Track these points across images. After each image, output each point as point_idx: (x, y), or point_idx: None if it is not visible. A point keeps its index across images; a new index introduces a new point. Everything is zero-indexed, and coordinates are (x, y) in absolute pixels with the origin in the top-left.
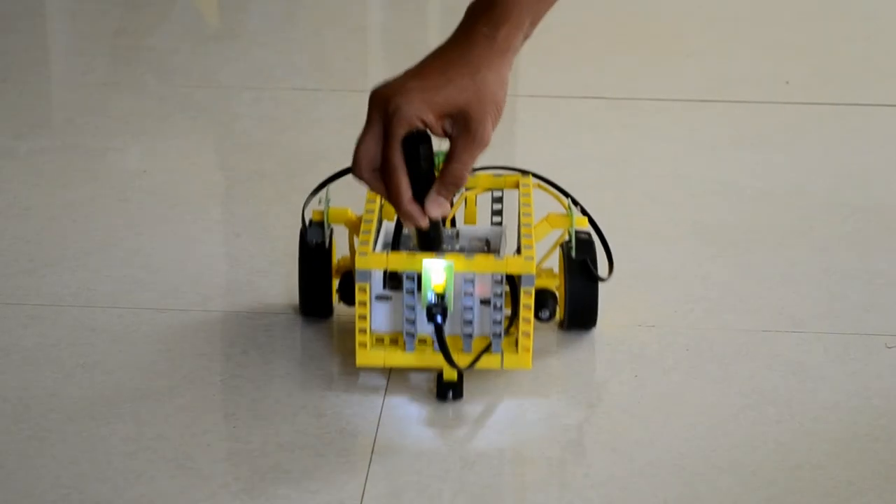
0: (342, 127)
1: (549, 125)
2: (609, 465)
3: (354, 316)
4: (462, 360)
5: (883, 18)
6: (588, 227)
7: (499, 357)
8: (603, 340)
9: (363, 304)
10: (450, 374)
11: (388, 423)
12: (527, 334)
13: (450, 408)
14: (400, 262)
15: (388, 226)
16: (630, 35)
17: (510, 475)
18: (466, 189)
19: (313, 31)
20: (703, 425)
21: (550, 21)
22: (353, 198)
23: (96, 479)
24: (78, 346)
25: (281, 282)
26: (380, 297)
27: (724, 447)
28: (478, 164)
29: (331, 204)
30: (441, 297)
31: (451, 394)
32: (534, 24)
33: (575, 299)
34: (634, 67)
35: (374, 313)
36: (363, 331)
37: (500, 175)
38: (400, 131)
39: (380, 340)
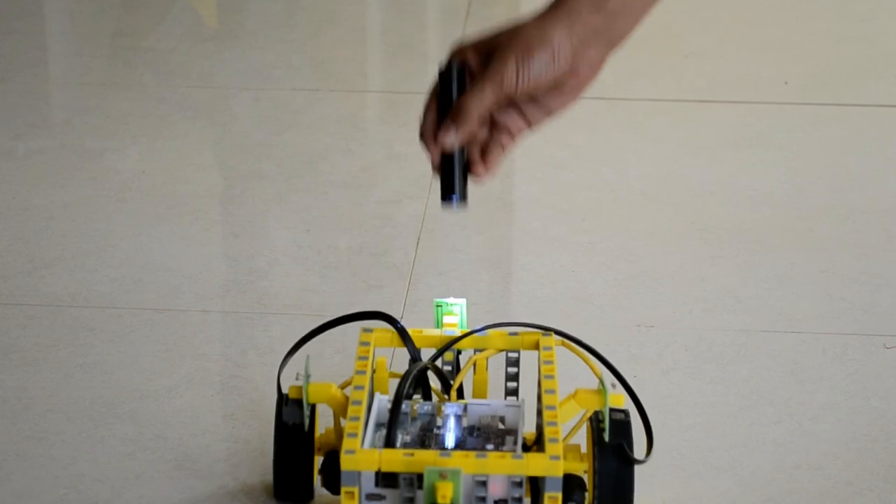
0: (341, 128)
1: (547, 125)
2: None
3: None
4: None
5: (883, 18)
6: (623, 400)
7: None
8: (602, 341)
9: None
10: None
11: None
12: None
13: None
14: (395, 461)
15: (382, 400)
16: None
17: None
18: (476, 351)
19: (312, 32)
20: (701, 425)
21: None
22: (338, 355)
23: (95, 479)
24: (76, 347)
25: (279, 281)
26: (371, 497)
27: (722, 447)
28: (491, 321)
29: (311, 376)
30: None
31: None
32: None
33: (608, 487)
34: (633, 68)
35: None
36: None
37: (515, 333)
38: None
39: None
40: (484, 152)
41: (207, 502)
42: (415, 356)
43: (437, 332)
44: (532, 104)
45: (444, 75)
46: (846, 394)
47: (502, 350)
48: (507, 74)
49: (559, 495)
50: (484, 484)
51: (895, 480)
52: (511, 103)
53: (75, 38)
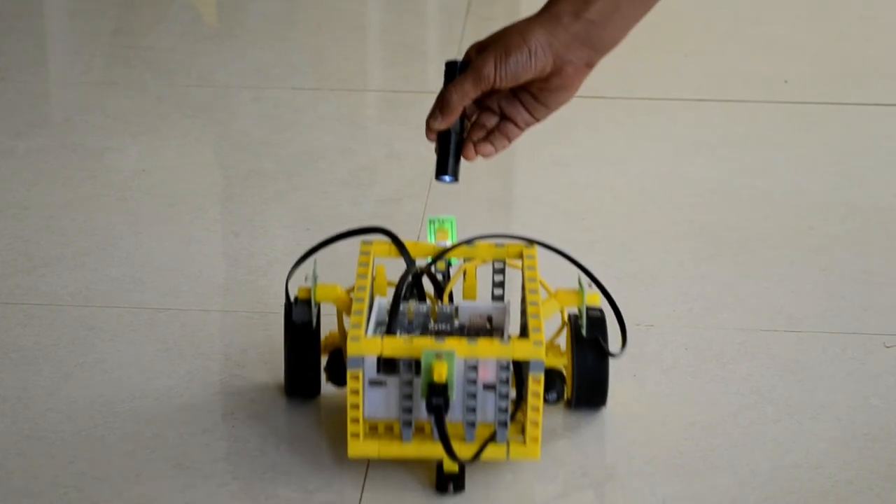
0: (341, 126)
1: (546, 125)
2: (608, 465)
3: (345, 398)
4: (464, 450)
5: (883, 18)
6: (598, 299)
7: (504, 447)
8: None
9: (355, 391)
10: (450, 466)
11: None
12: (535, 423)
13: (450, 502)
14: (396, 347)
15: (381, 302)
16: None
17: None
18: (465, 260)
19: (312, 31)
20: (701, 424)
21: None
22: (341, 267)
23: (95, 478)
24: (76, 346)
25: (279, 281)
26: (373, 383)
27: (722, 446)
28: (478, 233)
29: (318, 279)
30: (443, 386)
31: (451, 486)
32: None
33: (585, 379)
34: (632, 66)
35: (367, 399)
36: (355, 420)
37: (501, 245)
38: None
39: (373, 428)
40: (490, 137)
41: (207, 502)
42: (410, 264)
43: (430, 243)
44: (533, 100)
45: (449, 68)
46: (846, 393)
47: (490, 260)
48: (485, 71)
49: (542, 376)
50: (475, 368)
51: (895, 479)
52: (515, 98)
53: (75, 37)
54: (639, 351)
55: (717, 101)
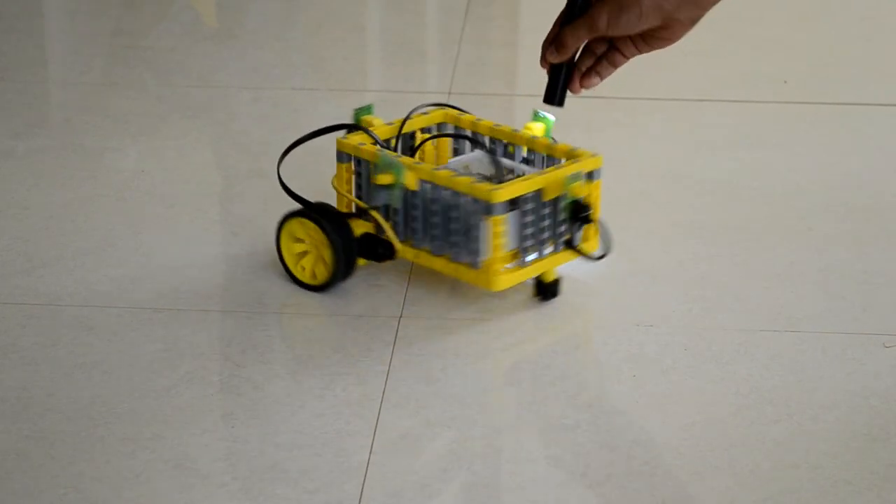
0: None
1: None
2: (607, 465)
3: None
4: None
5: (882, 18)
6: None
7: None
8: (601, 340)
9: None
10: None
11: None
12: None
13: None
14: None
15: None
16: None
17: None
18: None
19: (311, 31)
20: (700, 425)
21: (548, 20)
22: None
23: (94, 478)
24: (76, 346)
25: (278, 280)
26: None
27: (721, 447)
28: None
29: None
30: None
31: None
32: None
33: None
34: (632, 66)
35: None
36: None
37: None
38: None
39: None
40: (597, 64)
41: (206, 502)
42: (380, 144)
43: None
44: (640, 39)
45: (570, 3)
46: (845, 393)
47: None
48: (598, 22)
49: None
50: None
51: (894, 479)
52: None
53: (75, 38)
54: (638, 351)
55: (717, 101)
